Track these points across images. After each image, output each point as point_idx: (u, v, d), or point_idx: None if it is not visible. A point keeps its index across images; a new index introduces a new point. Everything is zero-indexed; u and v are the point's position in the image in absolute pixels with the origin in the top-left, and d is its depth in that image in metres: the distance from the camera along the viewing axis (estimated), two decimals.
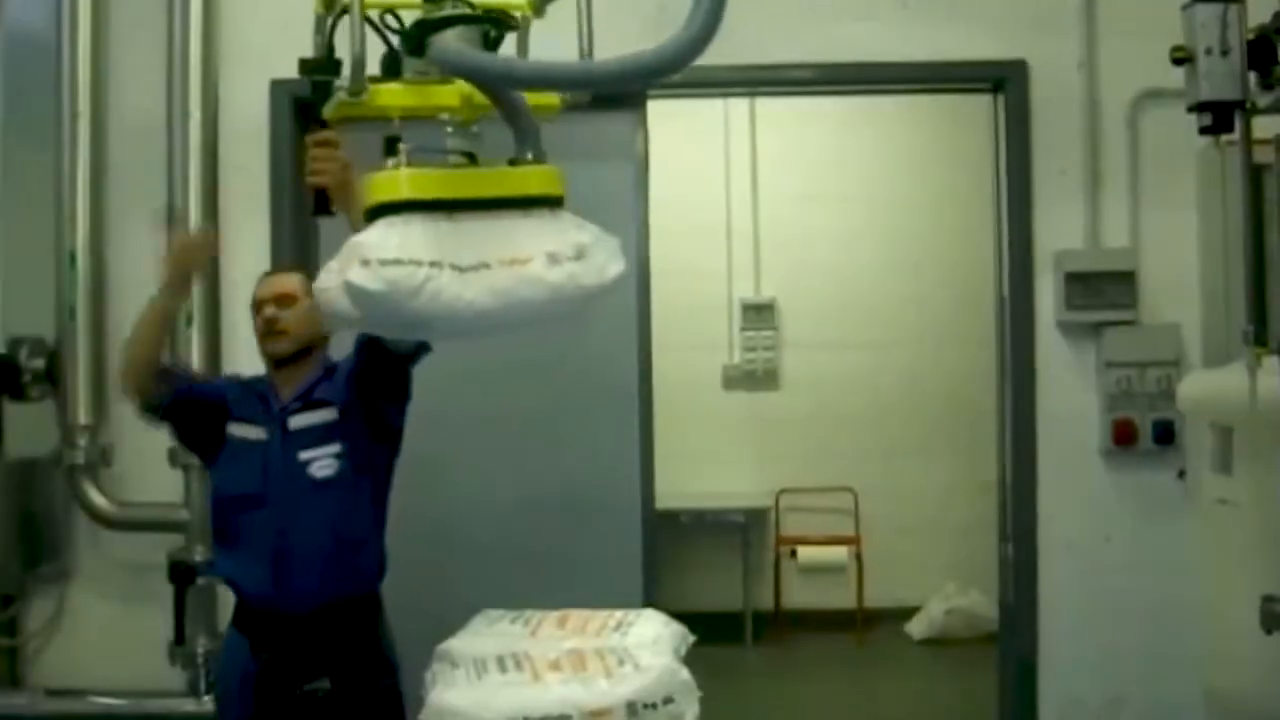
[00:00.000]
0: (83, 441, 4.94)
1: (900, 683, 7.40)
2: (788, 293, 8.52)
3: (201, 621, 4.84)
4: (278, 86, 5.03)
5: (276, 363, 3.61)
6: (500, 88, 2.21)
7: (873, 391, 8.38)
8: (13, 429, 4.96)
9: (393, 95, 2.30)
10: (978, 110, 5.30)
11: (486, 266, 2.17)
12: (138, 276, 4.94)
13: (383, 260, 2.11)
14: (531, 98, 2.35)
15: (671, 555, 7.36)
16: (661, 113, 5.28)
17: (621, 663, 2.85)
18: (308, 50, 4.04)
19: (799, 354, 8.51)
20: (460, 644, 3.03)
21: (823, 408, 8.43)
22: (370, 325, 2.39)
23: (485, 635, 3.09)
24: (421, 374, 5.10)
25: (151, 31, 4.88)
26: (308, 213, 2.72)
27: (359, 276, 2.12)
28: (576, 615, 3.18)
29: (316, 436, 3.44)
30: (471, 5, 2.28)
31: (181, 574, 4.76)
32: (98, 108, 4.94)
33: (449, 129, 2.31)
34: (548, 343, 5.11)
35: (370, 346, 3.28)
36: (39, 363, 4.93)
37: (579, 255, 2.28)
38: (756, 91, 5.77)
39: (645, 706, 2.78)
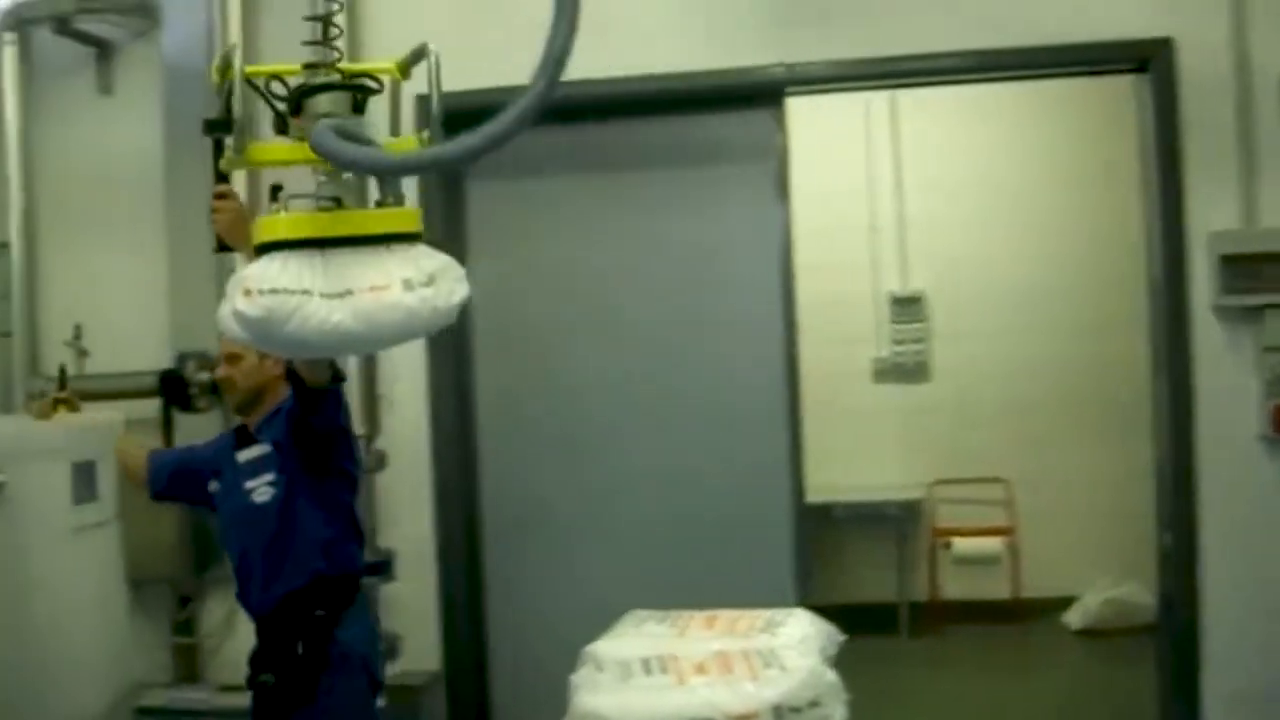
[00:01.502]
0: None
1: (1058, 675, 7.28)
2: (935, 283, 8.42)
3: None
4: (418, 102, 5.11)
5: (236, 410, 4.14)
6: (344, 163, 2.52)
7: (1024, 381, 8.25)
8: (183, 438, 5.14)
9: (270, 152, 2.66)
10: (1117, 91, 5.21)
11: (350, 293, 2.46)
12: None
13: (261, 290, 2.43)
14: (392, 146, 2.67)
15: (824, 548, 7.37)
16: (800, 107, 5.29)
17: (768, 664, 2.85)
18: (447, 65, 4.29)
19: (948, 345, 8.41)
20: (606, 646, 3.06)
21: (973, 398, 8.33)
22: (259, 344, 2.72)
23: (632, 637, 3.11)
24: (571, 375, 5.28)
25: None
26: (213, 250, 3.20)
27: (242, 304, 2.45)
28: (725, 615, 3.19)
29: (255, 468, 3.91)
30: (341, 72, 2.64)
31: None
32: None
33: (321, 177, 2.60)
34: (695, 340, 5.22)
35: (295, 402, 3.70)
36: (205, 376, 5.11)
37: (430, 281, 2.54)
38: (900, 84, 5.73)
39: (791, 710, 2.78)
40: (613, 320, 5.34)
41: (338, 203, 2.59)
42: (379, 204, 2.60)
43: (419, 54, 2.77)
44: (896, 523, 8.26)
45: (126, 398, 5.11)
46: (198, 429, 5.20)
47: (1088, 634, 7.83)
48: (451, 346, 5.29)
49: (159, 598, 5.28)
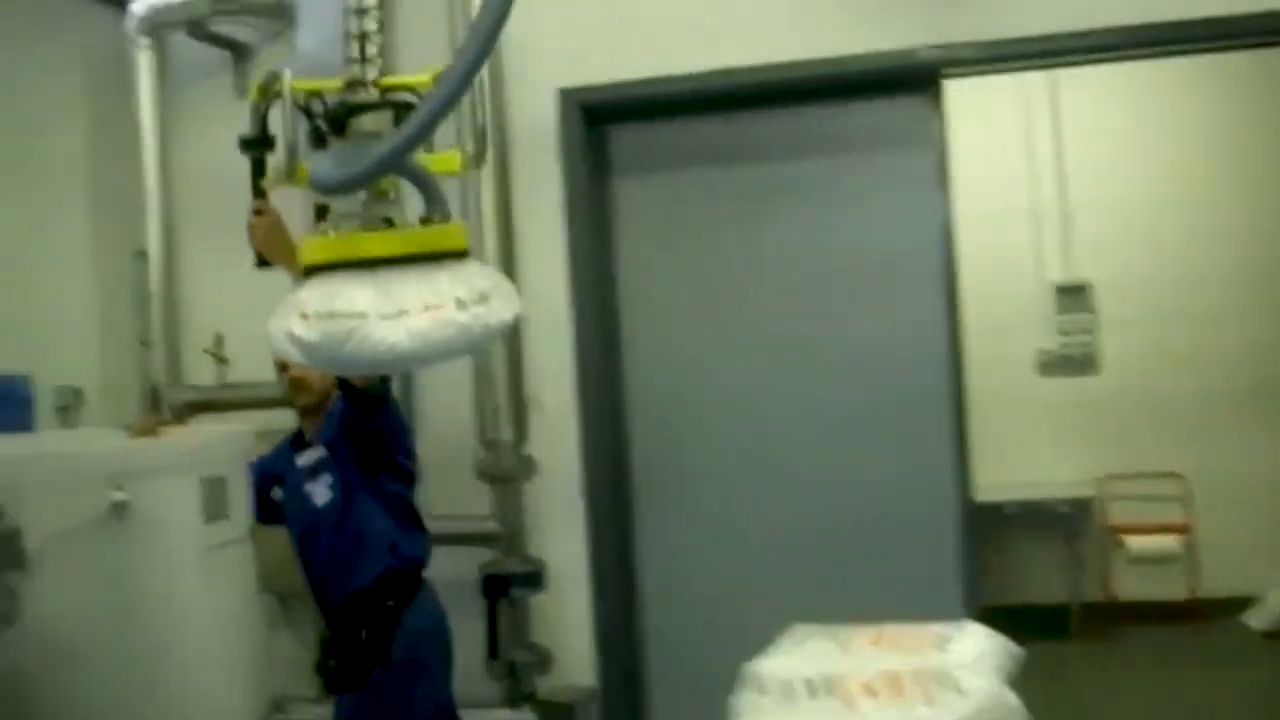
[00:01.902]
0: None
1: (1242, 677, 6.90)
2: (1101, 270, 8.07)
3: (515, 634, 4.87)
4: (567, 96, 5.02)
5: (302, 411, 4.22)
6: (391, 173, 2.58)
7: (1198, 370, 7.86)
8: None
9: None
10: None
11: (405, 313, 2.49)
12: None
13: (318, 314, 2.47)
14: (435, 162, 2.74)
15: (990, 548, 7.08)
16: (957, 90, 5.04)
17: (942, 686, 2.66)
18: (595, 58, 4.90)
19: (1117, 335, 8.05)
20: (768, 666, 2.88)
21: (1144, 390, 7.97)
22: (314, 365, 2.72)
23: (794, 655, 2.93)
24: (725, 374, 5.10)
25: (434, 44, 4.78)
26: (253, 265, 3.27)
27: (299, 328, 2.47)
28: (892, 630, 2.99)
29: (313, 471, 4.07)
30: (384, 88, 2.67)
31: (494, 586, 4.80)
32: None
33: (365, 196, 2.62)
34: (855, 336, 5.01)
35: (344, 404, 3.87)
36: None
37: (483, 299, 2.58)
38: (1060, 63, 5.43)
39: None
40: (767, 316, 5.14)
41: (389, 223, 2.62)
42: (424, 221, 2.63)
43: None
44: (1066, 520, 7.93)
45: (264, 407, 5.05)
46: None
47: (1274, 636, 7.43)
48: (600, 345, 5.15)
49: (304, 611, 5.22)
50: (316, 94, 2.71)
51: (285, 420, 4.97)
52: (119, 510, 2.93)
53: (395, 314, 2.48)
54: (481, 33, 2.25)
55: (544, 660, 4.91)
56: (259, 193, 3.12)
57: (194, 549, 3.16)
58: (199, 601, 3.17)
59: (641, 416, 5.26)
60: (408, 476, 4.16)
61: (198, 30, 5.23)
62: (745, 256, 5.15)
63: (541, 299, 4.99)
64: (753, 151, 5.14)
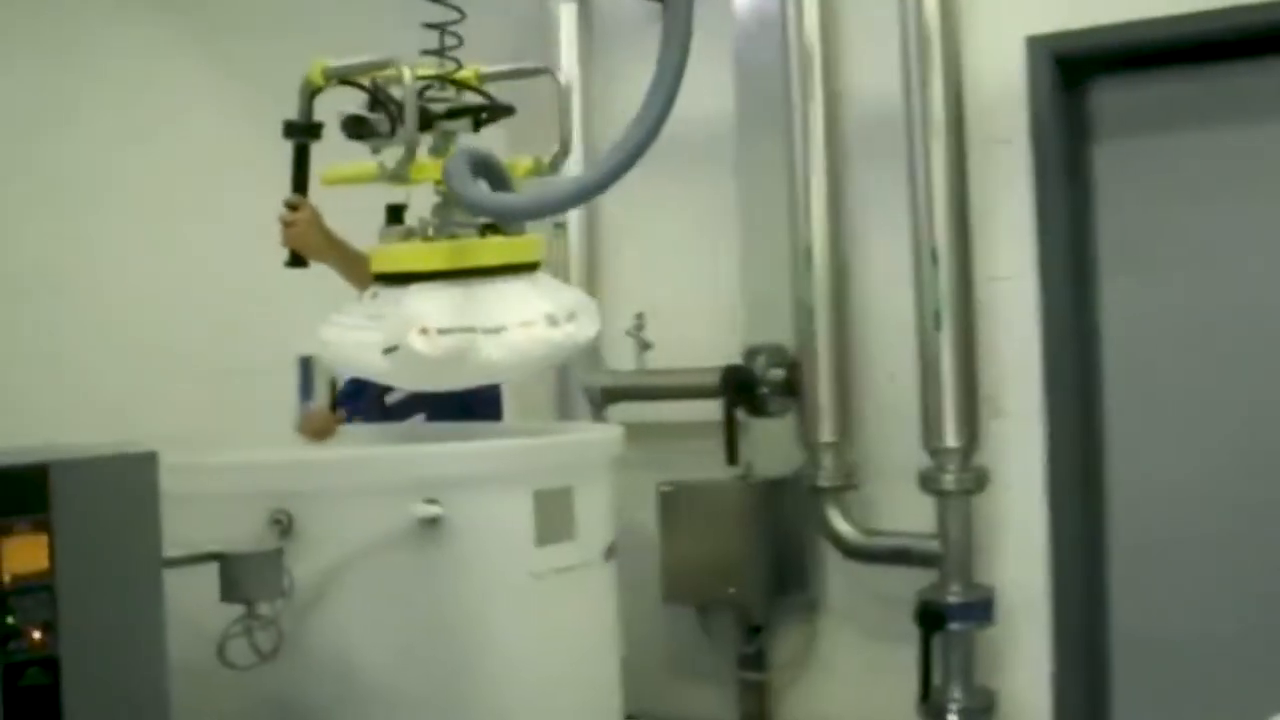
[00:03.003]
0: (826, 461, 4.48)
1: None
2: None
3: (957, 671, 4.19)
4: (1035, 44, 4.25)
5: None
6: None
7: None
8: (750, 446, 4.57)
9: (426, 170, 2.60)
10: None
11: (505, 328, 2.43)
12: (881, 273, 4.47)
13: (440, 329, 2.38)
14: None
15: None
16: None
17: None
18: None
19: None
20: None
21: None
22: (410, 383, 2.75)
23: None
24: (1228, 372, 4.14)
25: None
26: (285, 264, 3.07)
27: (420, 344, 2.37)
28: None
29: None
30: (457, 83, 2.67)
31: (929, 617, 4.15)
32: (830, 85, 4.44)
33: (437, 198, 2.58)
34: None
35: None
36: (778, 373, 4.51)
37: (572, 316, 2.55)
38: None
39: None
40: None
41: (490, 230, 2.58)
42: (484, 230, 2.57)
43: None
44: None
45: (688, 397, 4.61)
46: (768, 435, 4.61)
47: None
48: (1074, 341, 4.33)
49: (725, 625, 4.72)
50: (436, 82, 2.64)
51: (711, 412, 4.49)
52: (429, 528, 2.45)
53: (496, 329, 2.42)
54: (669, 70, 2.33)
55: (987, 707, 4.22)
56: (300, 186, 2.97)
57: (522, 576, 2.60)
58: (527, 640, 2.61)
59: (1119, 427, 4.40)
60: None
61: None
62: (1261, 243, 4.17)
63: (1001, 284, 4.29)
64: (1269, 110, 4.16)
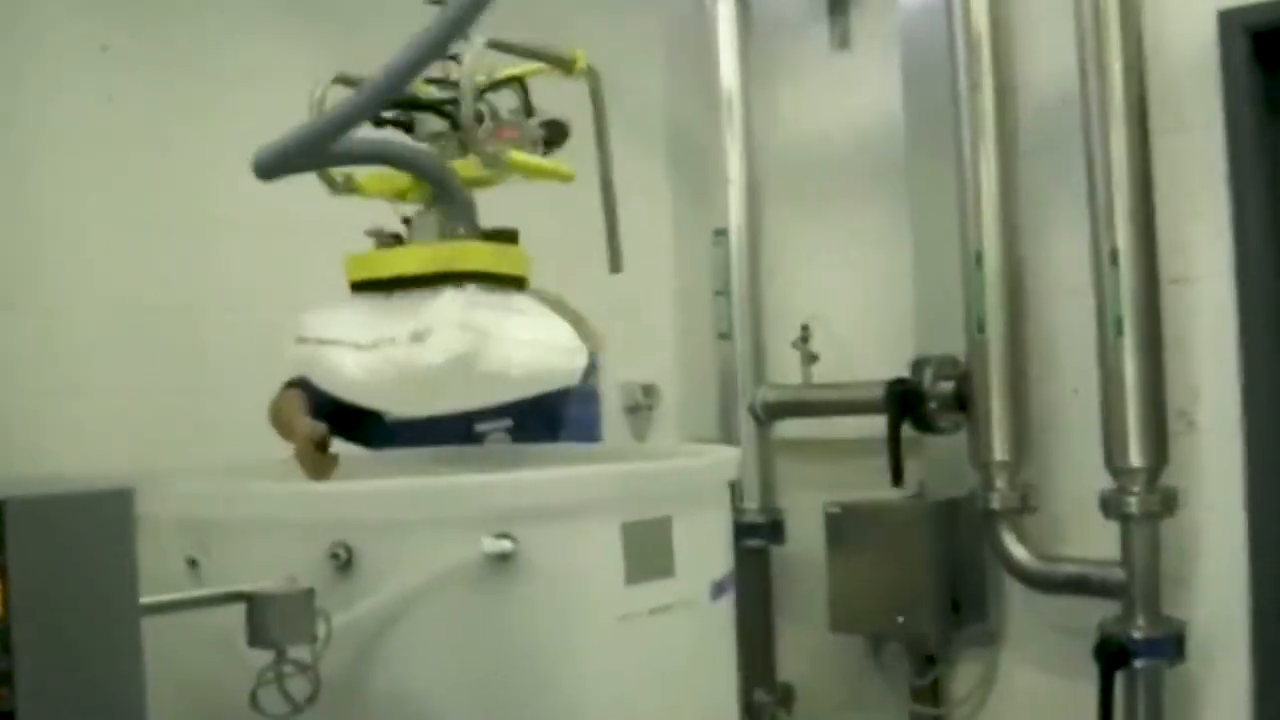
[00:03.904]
0: (999, 482, 4.13)
1: None
2: None
3: (1144, 713, 3.80)
4: (1228, 17, 3.84)
5: None
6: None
7: None
8: (918, 463, 4.26)
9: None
10: None
11: (372, 346, 2.30)
12: (1058, 279, 4.11)
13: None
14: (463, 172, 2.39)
15: None
16: None
17: None
18: None
19: None
20: None
21: None
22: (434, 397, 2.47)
23: None
24: None
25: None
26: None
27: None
28: None
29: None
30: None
31: (1110, 653, 3.76)
32: (1000, 74, 4.11)
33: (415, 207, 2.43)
34: None
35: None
36: (947, 386, 4.18)
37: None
38: None
39: None
40: None
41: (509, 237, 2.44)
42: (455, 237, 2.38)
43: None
44: None
45: (854, 412, 4.34)
46: (941, 452, 4.30)
47: None
48: (1274, 339, 3.89)
49: (897, 655, 4.42)
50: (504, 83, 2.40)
51: (881, 428, 4.20)
52: (499, 564, 2.20)
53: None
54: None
55: None
56: None
57: (608, 619, 2.34)
58: (613, 690, 2.35)
59: None
60: None
61: None
62: None
63: (1195, 282, 3.90)
64: None
